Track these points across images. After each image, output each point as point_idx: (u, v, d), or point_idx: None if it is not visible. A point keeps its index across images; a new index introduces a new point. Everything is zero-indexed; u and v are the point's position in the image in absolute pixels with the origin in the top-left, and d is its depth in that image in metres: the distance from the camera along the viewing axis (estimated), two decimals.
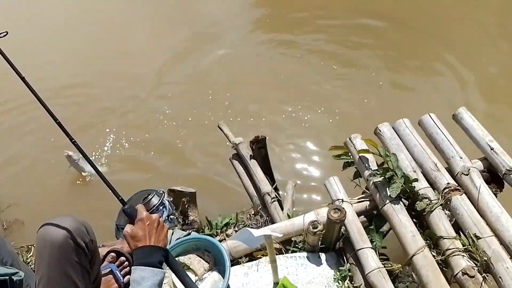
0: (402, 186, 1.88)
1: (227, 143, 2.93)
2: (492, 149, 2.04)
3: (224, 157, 3.15)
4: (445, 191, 1.90)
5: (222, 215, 2.43)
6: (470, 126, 2.16)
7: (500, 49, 4.43)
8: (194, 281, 1.68)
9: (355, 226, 1.92)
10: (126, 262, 1.77)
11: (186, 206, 2.37)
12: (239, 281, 1.92)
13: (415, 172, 2.00)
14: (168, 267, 1.31)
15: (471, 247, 1.69)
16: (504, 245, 1.69)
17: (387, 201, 1.91)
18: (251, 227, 2.18)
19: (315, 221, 1.87)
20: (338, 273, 1.90)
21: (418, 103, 3.80)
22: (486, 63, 4.20)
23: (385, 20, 4.93)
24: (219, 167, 3.41)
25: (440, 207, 1.85)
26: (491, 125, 3.40)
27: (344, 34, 4.85)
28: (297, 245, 2.05)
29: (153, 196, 2.39)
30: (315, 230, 1.85)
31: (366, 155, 2.11)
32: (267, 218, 2.36)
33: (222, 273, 1.79)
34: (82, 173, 3.44)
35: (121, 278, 1.69)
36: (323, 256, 1.99)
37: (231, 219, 2.39)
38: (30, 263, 2.29)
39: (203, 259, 1.87)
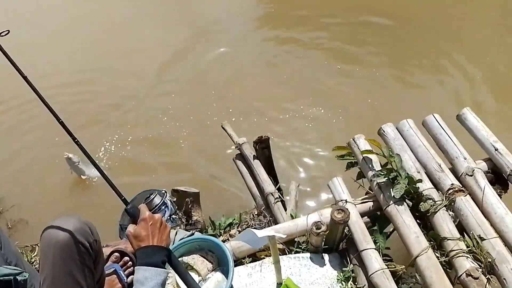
0: (406, 187, 1.87)
1: (232, 147, 2.92)
2: (496, 149, 2.03)
3: (226, 159, 3.15)
4: (449, 192, 1.89)
5: (225, 216, 2.44)
6: (474, 127, 2.16)
7: (509, 47, 4.41)
8: (197, 282, 1.68)
9: (358, 227, 1.91)
10: (130, 262, 1.77)
11: (190, 206, 2.38)
12: (242, 282, 1.92)
13: (419, 172, 2.00)
14: (170, 267, 1.31)
15: (475, 249, 1.68)
16: (508, 246, 1.69)
17: (391, 202, 1.91)
18: (254, 228, 2.18)
19: (318, 221, 1.87)
20: (341, 274, 1.90)
21: (425, 103, 3.78)
22: (495, 62, 4.17)
23: (390, 18, 4.92)
24: (220, 169, 3.40)
25: (444, 208, 1.85)
26: (501, 123, 3.41)
27: (348, 32, 4.84)
28: (300, 246, 2.05)
29: (155, 196, 2.39)
30: (319, 230, 1.85)
31: (370, 155, 2.10)
32: (270, 218, 2.36)
33: (226, 273, 1.78)
34: (82, 176, 3.40)
35: (125, 278, 1.70)
36: (326, 257, 1.99)
37: (234, 219, 2.39)
38: (34, 263, 2.29)
39: (207, 260, 1.87)
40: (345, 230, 1.96)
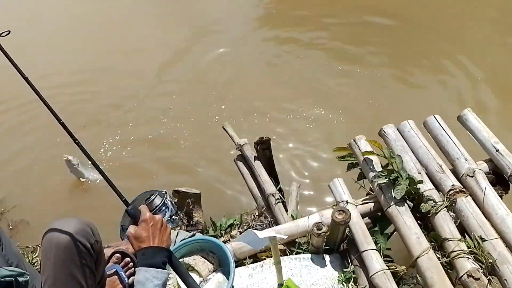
0: (407, 187, 1.87)
1: (233, 150, 2.92)
2: (497, 150, 2.03)
3: (227, 160, 3.15)
4: (450, 193, 1.89)
5: (226, 217, 2.43)
6: (475, 128, 2.15)
7: (509, 47, 4.41)
8: (198, 282, 1.68)
9: (359, 228, 1.91)
10: (131, 263, 1.77)
11: (191, 207, 2.37)
12: (243, 282, 1.92)
13: (420, 173, 2.00)
14: (171, 268, 1.31)
15: (476, 249, 1.68)
16: (509, 247, 1.69)
17: (392, 202, 1.91)
18: (255, 229, 2.18)
19: (319, 222, 1.87)
20: (342, 274, 1.90)
21: (425, 103, 3.78)
22: (495, 61, 4.17)
23: (391, 18, 4.92)
24: (221, 170, 3.39)
25: (445, 209, 1.85)
26: (502, 123, 3.40)
27: (348, 32, 4.84)
28: (301, 247, 2.05)
29: (155, 197, 2.39)
30: (320, 231, 1.85)
31: (371, 156, 2.10)
32: (271, 219, 2.35)
33: (227, 274, 1.78)
34: (81, 179, 3.40)
35: (126, 279, 1.69)
36: (327, 257, 1.99)
37: (235, 220, 2.39)
38: (35, 264, 2.29)
39: (208, 260, 1.87)
40: (346, 231, 1.96)
